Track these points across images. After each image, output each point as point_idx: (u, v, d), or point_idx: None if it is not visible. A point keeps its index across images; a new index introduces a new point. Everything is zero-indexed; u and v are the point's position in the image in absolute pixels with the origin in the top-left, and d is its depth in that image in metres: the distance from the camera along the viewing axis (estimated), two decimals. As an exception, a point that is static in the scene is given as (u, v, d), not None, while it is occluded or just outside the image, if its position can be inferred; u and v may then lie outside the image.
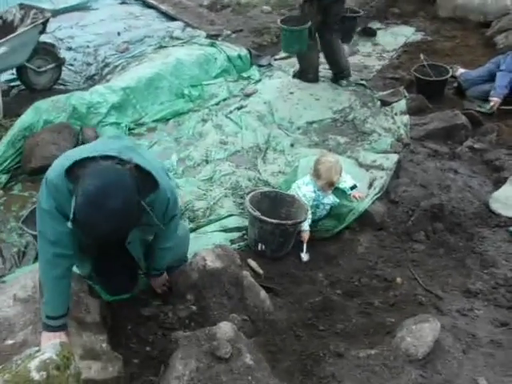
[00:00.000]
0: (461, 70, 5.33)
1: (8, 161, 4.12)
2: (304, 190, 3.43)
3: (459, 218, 3.42)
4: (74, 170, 1.87)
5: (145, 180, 1.97)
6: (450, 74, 5.14)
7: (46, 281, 2.17)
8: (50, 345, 1.59)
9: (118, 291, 2.70)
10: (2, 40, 4.46)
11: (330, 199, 3.48)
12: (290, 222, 3.20)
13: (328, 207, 3.54)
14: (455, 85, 5.29)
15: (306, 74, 5.40)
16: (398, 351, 2.22)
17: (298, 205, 3.35)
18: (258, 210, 3.17)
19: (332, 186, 3.40)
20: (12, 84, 5.23)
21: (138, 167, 1.94)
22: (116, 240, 2.06)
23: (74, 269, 2.47)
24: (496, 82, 4.84)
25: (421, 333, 2.24)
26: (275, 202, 3.40)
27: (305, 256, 3.29)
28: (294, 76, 5.50)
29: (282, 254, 3.28)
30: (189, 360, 2.09)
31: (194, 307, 2.65)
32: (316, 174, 3.37)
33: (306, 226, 3.34)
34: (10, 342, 2.18)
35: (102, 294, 2.65)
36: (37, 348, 1.60)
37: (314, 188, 3.42)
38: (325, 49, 5.33)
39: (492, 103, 4.78)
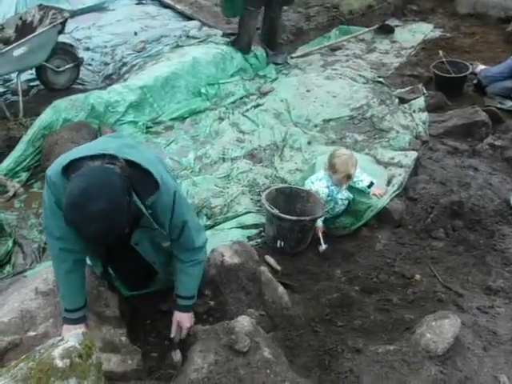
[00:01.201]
0: (481, 67, 5.25)
1: (28, 159, 4.19)
2: (317, 185, 3.42)
3: (479, 215, 3.37)
4: (70, 169, 1.89)
5: (143, 180, 1.95)
6: (470, 70, 5.07)
7: (58, 275, 2.21)
8: (73, 334, 1.61)
9: (136, 287, 2.73)
10: (22, 40, 4.53)
11: (344, 195, 3.46)
12: (308, 218, 3.19)
13: (346, 202, 3.52)
14: (475, 82, 5.22)
15: (240, 40, 5.61)
16: (417, 347, 2.20)
17: (314, 199, 3.34)
18: (274, 207, 3.17)
19: (350, 179, 3.38)
20: (31, 84, 5.31)
21: (135, 165, 1.92)
22: (106, 240, 2.00)
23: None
24: None
25: (441, 329, 2.21)
26: (290, 198, 3.40)
27: (323, 246, 3.27)
28: (228, 44, 5.71)
29: (300, 250, 3.27)
30: (207, 353, 2.10)
31: (211, 302, 2.66)
32: (332, 169, 3.36)
33: (319, 223, 3.34)
34: (32, 333, 2.22)
35: (121, 289, 2.68)
36: (60, 337, 1.62)
37: (328, 183, 3.41)
38: (265, 21, 5.70)
39: None
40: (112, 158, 1.89)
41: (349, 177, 3.35)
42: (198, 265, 2.34)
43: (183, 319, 2.37)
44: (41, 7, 5.03)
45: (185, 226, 2.17)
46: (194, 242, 2.26)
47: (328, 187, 3.41)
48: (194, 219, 2.28)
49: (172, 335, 2.39)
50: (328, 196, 3.42)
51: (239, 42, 5.63)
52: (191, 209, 2.29)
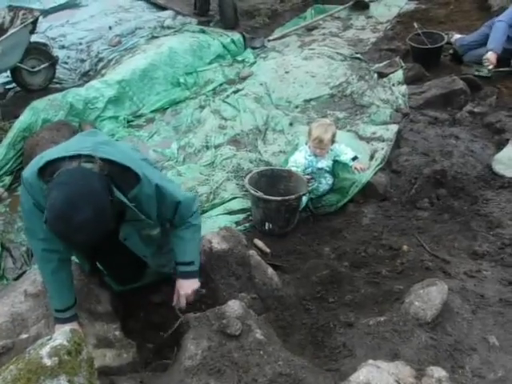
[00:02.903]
0: (456, 36, 5.26)
1: (10, 162, 4.16)
2: (296, 155, 3.47)
3: (462, 182, 3.40)
4: (46, 170, 1.87)
5: (123, 175, 1.93)
6: (446, 40, 5.08)
7: (44, 276, 2.20)
8: (61, 332, 1.61)
9: (126, 282, 2.72)
10: (-6, 43, 4.47)
11: (324, 163, 3.48)
12: (293, 196, 3.20)
13: (330, 182, 3.54)
14: (451, 51, 5.22)
15: (225, 16, 5.98)
16: (407, 316, 2.23)
17: (296, 178, 3.36)
18: (258, 190, 3.18)
19: (322, 145, 3.37)
20: (8, 86, 5.25)
21: (113, 163, 1.90)
22: (93, 245, 1.99)
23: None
24: (491, 34, 4.61)
25: (429, 296, 2.24)
26: (272, 179, 3.42)
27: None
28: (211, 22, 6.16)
29: (288, 230, 3.29)
30: (200, 340, 2.11)
31: (203, 290, 2.67)
32: (308, 134, 3.39)
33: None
34: (24, 336, 2.22)
35: (112, 285, 2.68)
36: (48, 336, 1.63)
37: (306, 154, 3.43)
38: None
39: (487, 62, 4.58)
40: (88, 157, 1.87)
41: (320, 140, 3.35)
42: (190, 227, 2.29)
43: (181, 286, 2.32)
44: (10, 8, 4.96)
45: (178, 206, 2.18)
46: (189, 215, 2.26)
47: (305, 158, 3.43)
48: (184, 195, 2.24)
49: (173, 303, 2.36)
50: (308, 168, 3.44)
51: (225, 20, 5.84)
52: (177, 187, 2.25)
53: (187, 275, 2.33)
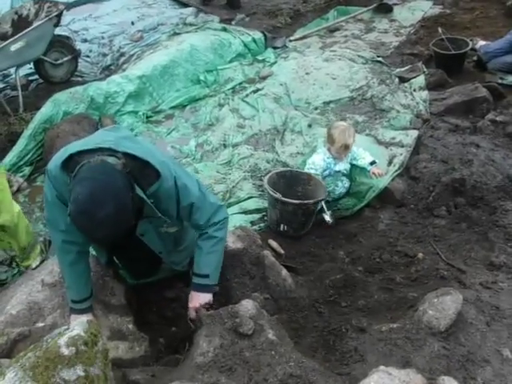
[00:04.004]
0: (481, 43, 5.19)
1: (30, 153, 4.22)
2: (314, 157, 3.45)
3: (481, 191, 3.36)
4: (69, 163, 1.90)
5: (143, 170, 1.95)
6: (470, 46, 5.02)
7: (63, 267, 2.24)
8: (78, 323, 1.64)
9: (141, 276, 2.75)
10: (19, 35, 4.53)
11: (342, 166, 3.47)
12: (311, 201, 3.20)
13: (347, 185, 3.53)
14: (475, 58, 5.16)
15: None
16: (420, 324, 2.21)
17: (315, 182, 3.35)
18: (276, 191, 3.18)
19: (347, 149, 3.38)
20: (30, 78, 5.33)
21: (134, 158, 1.92)
22: (115, 240, 1.99)
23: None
24: None
25: (443, 305, 2.22)
26: (291, 181, 3.42)
27: (330, 218, 3.26)
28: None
29: (303, 233, 3.29)
30: (213, 337, 2.12)
31: (216, 288, 2.69)
32: (330, 139, 3.38)
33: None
34: (40, 324, 2.26)
35: (126, 278, 2.71)
36: (66, 326, 1.66)
37: (324, 156, 3.42)
38: None
39: None
40: (111, 151, 1.90)
41: (346, 146, 3.35)
42: (208, 239, 2.25)
43: (191, 298, 2.32)
44: (36, 1, 5.02)
45: (192, 206, 2.16)
46: (201, 223, 2.23)
47: (324, 160, 3.42)
48: (201, 200, 2.19)
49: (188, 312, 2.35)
50: (326, 170, 3.43)
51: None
52: (197, 190, 2.16)
53: (200, 288, 2.31)
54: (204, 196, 2.21)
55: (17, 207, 2.95)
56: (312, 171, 3.42)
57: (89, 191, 1.77)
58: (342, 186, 3.54)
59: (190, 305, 2.32)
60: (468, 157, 3.66)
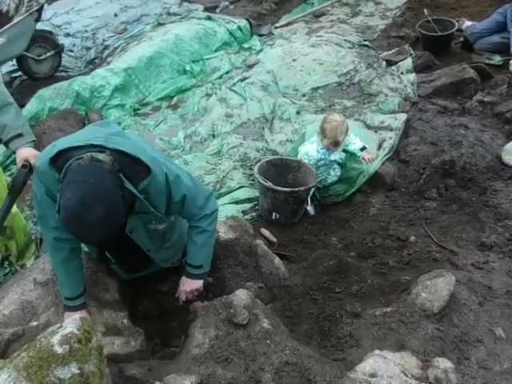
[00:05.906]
0: (467, 23, 5.18)
1: (17, 151, 4.16)
2: (307, 148, 3.43)
3: (471, 172, 3.38)
4: (58, 160, 1.88)
5: (134, 166, 1.93)
6: (456, 27, 5.01)
7: (55, 264, 2.23)
8: (71, 320, 1.63)
9: (134, 270, 2.74)
10: (-1, 31, 4.46)
11: (337, 155, 3.47)
12: (302, 188, 3.19)
13: (338, 173, 3.53)
14: (462, 39, 5.16)
15: None
16: (413, 307, 2.23)
17: (305, 169, 3.35)
18: (267, 179, 3.17)
19: (337, 146, 3.37)
20: (14, 75, 5.24)
21: (124, 154, 1.90)
22: (106, 241, 1.98)
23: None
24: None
25: (435, 287, 2.24)
26: (281, 169, 3.41)
27: (312, 210, 3.32)
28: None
29: (295, 220, 3.29)
30: (208, 329, 2.13)
31: (209, 279, 2.68)
32: (322, 133, 3.36)
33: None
34: (34, 323, 2.25)
35: (119, 273, 2.70)
36: (59, 325, 1.65)
37: (318, 147, 3.41)
38: None
39: None
40: (101, 148, 1.88)
41: (336, 143, 3.34)
42: (202, 233, 2.30)
43: (183, 282, 2.40)
44: (15, -5, 4.92)
45: (185, 198, 2.16)
46: (194, 212, 2.24)
47: (318, 151, 3.41)
48: (193, 190, 2.20)
49: (176, 294, 2.46)
50: (320, 160, 3.42)
51: None
52: (188, 181, 2.17)
53: (191, 277, 2.39)
54: (196, 186, 2.23)
55: (14, 208, 2.91)
56: (305, 162, 3.41)
57: (78, 196, 1.74)
58: (335, 174, 3.54)
59: (182, 288, 2.41)
60: (457, 138, 3.68)
